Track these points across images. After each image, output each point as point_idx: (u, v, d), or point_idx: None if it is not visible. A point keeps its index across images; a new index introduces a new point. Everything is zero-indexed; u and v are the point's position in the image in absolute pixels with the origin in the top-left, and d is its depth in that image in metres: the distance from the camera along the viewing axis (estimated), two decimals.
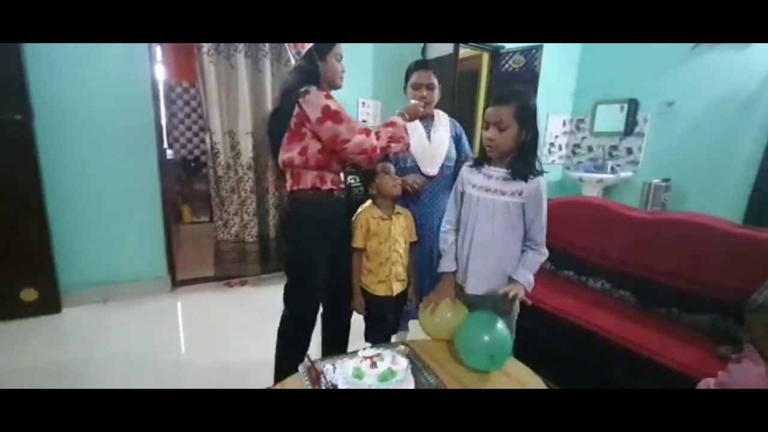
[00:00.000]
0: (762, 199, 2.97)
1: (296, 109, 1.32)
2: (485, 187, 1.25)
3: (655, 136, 3.62)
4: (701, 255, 1.65)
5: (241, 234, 2.77)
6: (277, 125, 1.39)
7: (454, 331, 1.22)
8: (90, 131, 2.31)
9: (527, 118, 1.17)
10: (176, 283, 2.75)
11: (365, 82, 3.19)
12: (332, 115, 1.31)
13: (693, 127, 3.35)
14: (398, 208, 1.56)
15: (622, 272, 1.86)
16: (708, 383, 1.22)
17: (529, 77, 3.47)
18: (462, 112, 3.42)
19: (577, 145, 4.24)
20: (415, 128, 1.66)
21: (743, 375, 1.17)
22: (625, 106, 3.73)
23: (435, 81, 1.64)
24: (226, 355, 1.98)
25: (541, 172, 1.21)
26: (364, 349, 1.12)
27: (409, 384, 1.00)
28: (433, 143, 1.67)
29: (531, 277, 1.23)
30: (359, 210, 1.55)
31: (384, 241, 1.49)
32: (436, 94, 1.67)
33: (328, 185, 1.41)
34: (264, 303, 2.55)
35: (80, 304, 2.38)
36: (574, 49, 4.04)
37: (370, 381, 0.96)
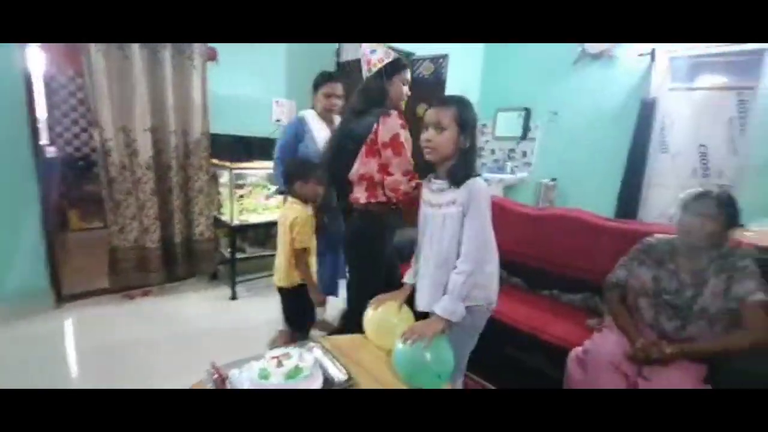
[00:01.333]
0: (627, 196, 3.54)
1: (375, 126, 1.44)
2: (430, 202, 1.23)
3: (545, 141, 4.11)
4: (577, 244, 1.92)
5: (141, 239, 2.53)
6: (346, 142, 1.51)
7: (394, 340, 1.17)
8: None
9: (466, 125, 1.14)
10: (63, 298, 2.42)
11: (279, 82, 3.13)
12: (396, 146, 1.42)
13: (574, 134, 3.87)
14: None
15: (515, 261, 2.09)
16: (577, 351, 1.44)
17: (437, 84, 3.69)
18: None
19: (481, 149, 4.62)
20: (323, 129, 1.89)
21: (603, 342, 1.40)
22: (522, 113, 4.17)
23: (342, 92, 1.89)
24: (128, 379, 1.76)
25: (478, 173, 1.18)
26: (271, 346, 1.12)
27: (317, 380, 1.02)
28: None
29: (453, 306, 1.12)
30: (292, 213, 1.60)
31: (313, 234, 1.67)
32: (341, 103, 1.91)
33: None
34: (173, 315, 2.37)
35: None
36: (477, 59, 4.40)
37: (276, 380, 0.96)
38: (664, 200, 3.42)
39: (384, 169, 1.45)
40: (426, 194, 1.26)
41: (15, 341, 2.00)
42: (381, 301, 1.32)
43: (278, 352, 1.06)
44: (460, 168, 1.15)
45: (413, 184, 1.45)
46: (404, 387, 1.10)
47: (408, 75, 1.58)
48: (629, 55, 3.52)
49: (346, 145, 1.55)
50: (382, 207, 1.51)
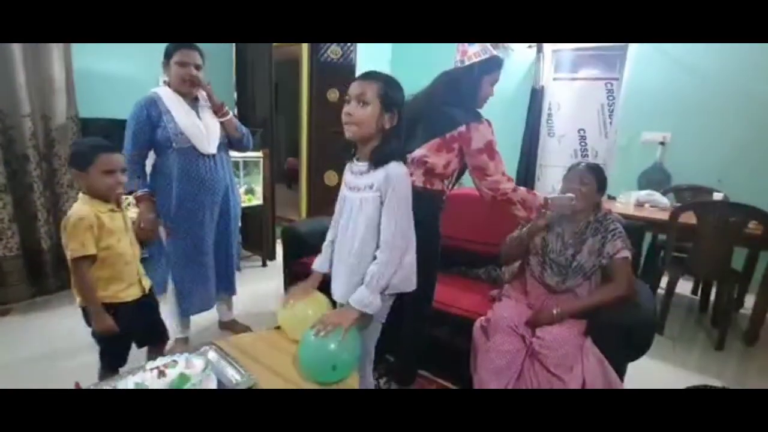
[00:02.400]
0: (524, 177, 3.87)
1: (462, 128, 1.40)
2: (349, 184, 1.16)
3: None
4: (476, 221, 2.03)
5: None
6: (416, 125, 1.43)
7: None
8: None
9: (391, 104, 1.06)
10: None
11: None
12: (490, 152, 1.44)
13: None
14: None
15: None
16: (481, 320, 1.53)
17: (347, 70, 3.63)
18: (282, 102, 3.34)
19: None
20: (182, 107, 1.66)
21: (502, 309, 1.50)
22: None
23: (201, 62, 1.67)
24: None
25: (400, 157, 1.11)
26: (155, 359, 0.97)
27: (209, 386, 0.92)
28: (204, 121, 1.70)
29: (369, 297, 1.06)
30: (73, 211, 1.22)
31: (123, 236, 1.30)
32: (202, 75, 1.68)
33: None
34: (38, 336, 1.99)
35: None
36: (385, 49, 4.41)
37: None
38: (554, 178, 3.83)
39: (482, 171, 1.47)
40: (347, 176, 1.19)
41: None
42: (290, 296, 1.24)
43: (161, 361, 0.93)
44: (382, 150, 1.08)
45: (512, 185, 1.49)
46: (314, 387, 1.02)
47: (498, 75, 1.50)
48: (520, 46, 3.82)
49: (414, 127, 1.43)
50: (437, 192, 1.49)
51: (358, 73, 3.54)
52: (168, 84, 1.69)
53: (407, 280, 1.17)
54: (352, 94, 1.08)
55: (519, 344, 1.38)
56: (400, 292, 1.18)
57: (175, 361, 0.93)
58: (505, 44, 3.85)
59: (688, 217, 2.22)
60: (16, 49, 2.03)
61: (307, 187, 4.11)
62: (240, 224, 2.08)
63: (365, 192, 1.10)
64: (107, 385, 0.90)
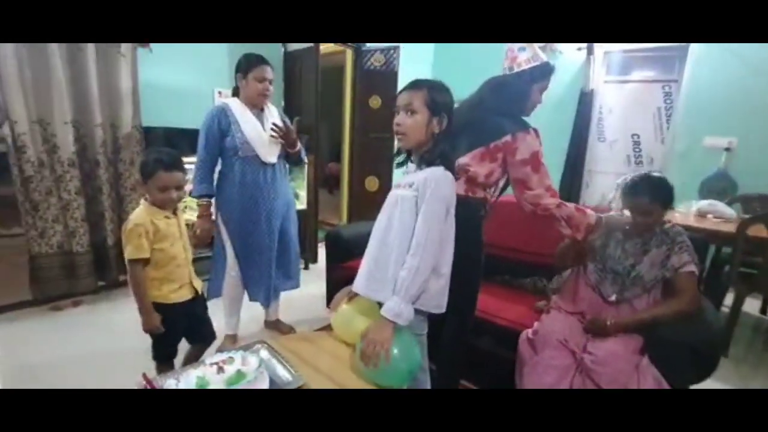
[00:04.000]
0: (569, 183, 3.72)
1: (507, 137, 1.34)
2: (398, 184, 1.15)
3: None
4: (524, 229, 1.98)
5: (67, 244, 2.29)
6: (463, 133, 1.36)
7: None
8: None
9: (438, 108, 1.07)
10: None
11: (221, 71, 2.96)
12: (535, 163, 1.36)
13: None
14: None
15: None
16: (527, 332, 1.48)
17: (390, 75, 3.67)
18: (326, 108, 3.43)
19: None
20: (249, 118, 1.76)
21: (551, 322, 1.45)
22: None
23: (272, 76, 1.79)
24: None
25: (448, 162, 1.09)
26: (215, 353, 1.03)
27: (263, 384, 0.96)
28: (268, 134, 1.78)
29: (399, 306, 1.02)
30: (132, 216, 1.34)
31: (176, 241, 1.39)
32: (272, 89, 1.81)
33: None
34: (108, 326, 2.16)
35: None
36: (428, 52, 4.42)
37: (216, 387, 0.88)
38: (604, 186, 3.65)
39: (524, 184, 1.39)
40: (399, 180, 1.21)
41: None
42: (338, 300, 1.27)
43: (220, 357, 0.98)
44: (431, 152, 1.09)
45: (556, 201, 1.40)
46: (365, 387, 1.03)
47: (548, 83, 1.46)
48: (569, 48, 3.69)
49: (460, 135, 1.37)
50: (479, 200, 1.43)
51: (400, 79, 3.59)
52: (236, 95, 1.83)
53: (436, 302, 1.11)
54: (399, 105, 1.09)
55: (569, 360, 1.33)
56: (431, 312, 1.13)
57: (232, 357, 0.98)
58: (553, 47, 3.74)
59: (758, 230, 2.04)
60: (91, 63, 2.23)
61: (349, 192, 4.18)
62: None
63: (404, 189, 1.09)
64: (172, 378, 0.96)
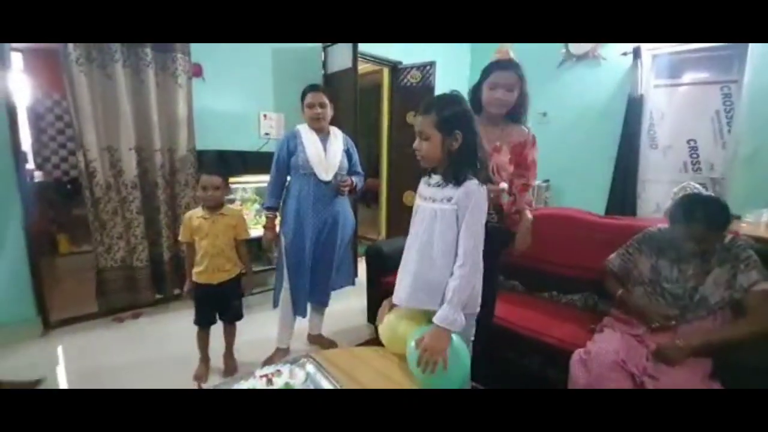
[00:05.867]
0: (619, 193, 3.53)
1: (523, 140, 1.49)
2: (424, 195, 1.20)
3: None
4: (572, 243, 1.90)
5: (128, 259, 2.47)
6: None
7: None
8: None
9: (451, 127, 1.10)
10: (51, 325, 2.35)
11: (266, 96, 3.12)
12: (534, 167, 1.54)
13: (563, 134, 3.88)
14: (227, 210, 1.83)
15: (511, 264, 2.05)
16: (580, 352, 1.40)
17: (426, 91, 3.70)
18: (364, 125, 3.51)
19: None
20: (314, 140, 1.91)
21: (606, 342, 1.36)
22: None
23: (326, 100, 1.91)
24: None
25: (478, 177, 1.12)
26: (262, 368, 1.07)
27: None
28: (328, 154, 1.92)
29: (453, 314, 1.06)
30: (188, 212, 1.84)
31: (204, 236, 1.76)
32: (329, 112, 1.94)
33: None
34: (164, 336, 2.30)
35: None
36: (464, 66, 4.43)
37: None
38: (659, 195, 3.43)
39: (526, 184, 1.54)
40: (422, 188, 1.23)
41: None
42: (384, 309, 1.29)
43: (268, 369, 1.02)
44: (455, 171, 1.12)
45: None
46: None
47: (497, 79, 1.49)
48: (612, 54, 3.56)
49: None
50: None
51: (436, 94, 3.60)
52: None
53: (474, 301, 1.17)
54: (416, 131, 1.16)
55: (627, 383, 1.23)
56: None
57: (279, 370, 1.01)
58: (595, 53, 3.62)
59: None
60: (152, 94, 2.44)
61: (387, 206, 4.22)
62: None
63: (443, 204, 1.12)
64: (225, 386, 1.00)
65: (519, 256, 1.98)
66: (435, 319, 1.07)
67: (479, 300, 1.19)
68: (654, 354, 1.26)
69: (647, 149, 3.52)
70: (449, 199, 1.11)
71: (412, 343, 1.08)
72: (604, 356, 1.28)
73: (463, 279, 1.08)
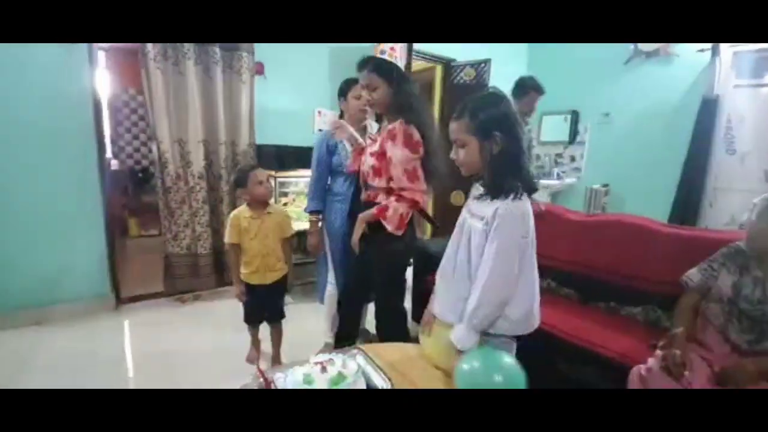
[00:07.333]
0: (684, 199, 3.27)
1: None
2: (468, 207, 1.15)
3: (595, 144, 3.90)
4: (634, 252, 1.79)
5: (193, 246, 2.66)
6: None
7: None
8: (22, 139, 2.16)
9: (488, 130, 1.01)
10: (121, 301, 2.59)
11: (322, 93, 3.21)
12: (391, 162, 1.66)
13: (626, 136, 3.65)
14: (271, 208, 1.83)
15: (566, 271, 1.98)
16: (640, 369, 1.33)
17: (480, 89, 3.63)
18: None
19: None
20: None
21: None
22: (568, 116, 4.00)
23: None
24: (178, 377, 1.86)
25: (518, 190, 1.01)
26: (316, 355, 1.11)
27: (361, 387, 1.00)
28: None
29: (463, 334, 1.04)
30: (233, 212, 1.82)
31: (254, 237, 1.76)
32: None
33: None
34: (222, 319, 2.45)
35: (8, 327, 2.18)
36: (520, 63, 4.29)
37: (320, 386, 0.95)
38: (734, 205, 3.13)
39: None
40: (470, 199, 1.18)
41: (76, 340, 2.15)
42: (426, 323, 1.27)
43: (322, 357, 1.06)
44: (495, 178, 1.04)
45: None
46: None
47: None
48: (687, 51, 3.29)
49: None
50: None
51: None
52: (342, 117, 1.97)
53: (524, 326, 1.12)
54: (451, 139, 1.09)
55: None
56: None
57: (332, 359, 1.04)
58: (668, 50, 3.37)
59: None
60: (219, 90, 2.60)
61: (434, 206, 4.19)
62: None
63: (476, 221, 1.07)
64: (280, 372, 1.06)
65: (574, 264, 1.94)
66: (450, 336, 1.07)
67: (533, 321, 1.14)
68: (718, 375, 1.16)
69: (722, 155, 3.23)
70: (481, 218, 1.04)
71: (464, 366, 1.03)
72: (666, 375, 1.21)
73: (471, 304, 1.03)
